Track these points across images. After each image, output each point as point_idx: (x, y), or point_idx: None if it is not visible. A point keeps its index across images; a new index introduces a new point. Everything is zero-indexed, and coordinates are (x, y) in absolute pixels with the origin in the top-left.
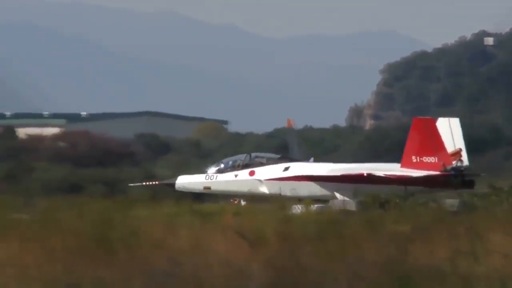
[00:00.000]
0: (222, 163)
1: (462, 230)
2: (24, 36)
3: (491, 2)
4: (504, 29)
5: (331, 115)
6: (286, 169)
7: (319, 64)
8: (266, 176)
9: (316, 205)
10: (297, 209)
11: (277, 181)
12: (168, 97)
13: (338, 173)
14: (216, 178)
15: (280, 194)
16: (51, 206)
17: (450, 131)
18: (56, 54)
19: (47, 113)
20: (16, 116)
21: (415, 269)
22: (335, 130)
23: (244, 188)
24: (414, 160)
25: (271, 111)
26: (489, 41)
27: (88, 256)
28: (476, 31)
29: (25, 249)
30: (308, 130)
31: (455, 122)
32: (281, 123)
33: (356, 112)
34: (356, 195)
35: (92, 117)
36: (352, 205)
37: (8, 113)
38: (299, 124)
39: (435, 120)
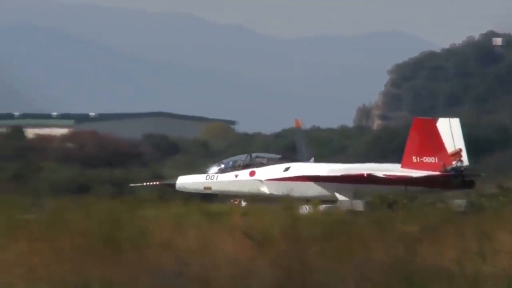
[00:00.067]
0: (222, 163)
1: (469, 230)
2: (28, 36)
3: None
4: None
5: (339, 116)
6: (287, 169)
7: (327, 64)
8: (267, 176)
9: (323, 206)
10: (305, 209)
11: (278, 182)
12: (176, 97)
13: (338, 173)
14: (216, 178)
15: (280, 195)
16: (59, 207)
17: (450, 131)
18: (61, 54)
19: (55, 113)
20: (24, 116)
21: (423, 269)
22: (343, 131)
23: (245, 188)
24: (414, 160)
25: (279, 112)
26: (497, 41)
27: (96, 256)
28: (485, 31)
29: (33, 249)
30: (315, 130)
31: (455, 122)
32: (289, 124)
33: (364, 113)
34: (356, 195)
35: (101, 118)
36: (359, 206)
37: (16, 114)
38: (307, 125)
39: (435, 121)
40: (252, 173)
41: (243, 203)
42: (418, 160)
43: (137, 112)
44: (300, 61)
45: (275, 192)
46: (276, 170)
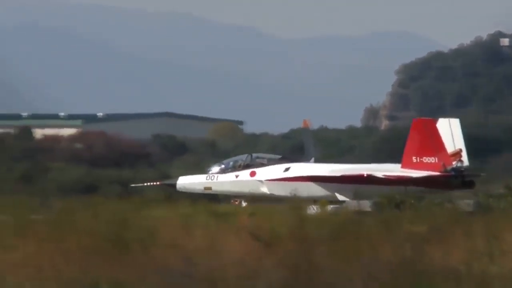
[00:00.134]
0: (223, 163)
1: (477, 230)
2: (29, 36)
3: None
4: None
5: (346, 116)
6: (287, 169)
7: (331, 64)
8: (267, 177)
9: (331, 206)
10: (313, 209)
11: (278, 182)
12: (177, 97)
13: (338, 174)
14: (217, 179)
15: (280, 195)
16: (66, 207)
17: (450, 132)
18: (62, 54)
19: (63, 114)
20: (32, 117)
21: (430, 270)
22: (351, 131)
23: (245, 189)
24: (414, 161)
25: (287, 112)
26: (505, 41)
27: (104, 257)
28: (492, 31)
29: (41, 249)
30: (323, 130)
31: (455, 122)
32: (297, 124)
33: (372, 113)
34: (356, 195)
35: (108, 118)
36: (367, 206)
37: (24, 114)
38: (314, 125)
39: (435, 121)
40: (252, 174)
41: (244, 203)
42: (418, 161)
43: (144, 112)
44: (303, 61)
45: (275, 193)
46: (276, 171)
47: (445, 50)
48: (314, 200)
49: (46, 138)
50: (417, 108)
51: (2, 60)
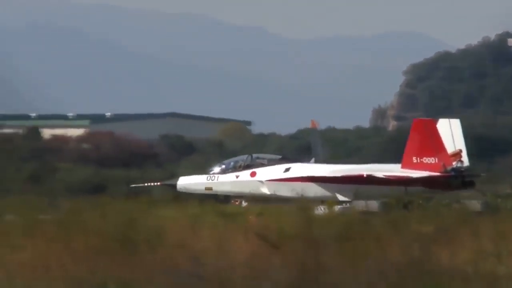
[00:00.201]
0: (223, 164)
1: (485, 231)
2: (42, 36)
3: None
4: None
5: (354, 116)
6: (287, 170)
7: (342, 65)
8: (267, 177)
9: (339, 206)
10: (320, 210)
11: (278, 182)
12: (191, 98)
13: (339, 174)
14: (217, 179)
15: (280, 195)
16: (74, 207)
17: (451, 132)
18: (72, 54)
19: (71, 114)
20: (41, 117)
21: (438, 270)
22: (358, 131)
23: (245, 189)
24: (415, 161)
25: (294, 112)
26: None
27: (112, 257)
28: (500, 32)
29: (49, 249)
30: (331, 131)
31: (455, 123)
32: (304, 124)
33: (379, 113)
34: (357, 196)
35: (116, 118)
36: (375, 206)
37: (32, 114)
38: (322, 125)
39: (435, 121)
40: (253, 174)
41: (244, 204)
42: (418, 161)
43: (152, 112)
44: (310, 61)
45: (275, 193)
46: (276, 171)
47: (453, 51)
48: (322, 201)
49: (54, 138)
50: (425, 109)
51: (8, 59)
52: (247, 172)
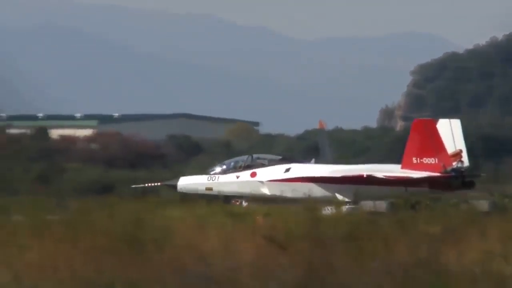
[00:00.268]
0: (224, 164)
1: (493, 231)
2: (48, 37)
3: None
4: None
5: (362, 117)
6: (287, 170)
7: (350, 65)
8: (268, 177)
9: (346, 207)
10: (328, 210)
11: (279, 182)
12: (199, 99)
13: (339, 174)
14: (217, 179)
15: (281, 195)
16: (82, 207)
17: (451, 132)
18: (77, 54)
19: (79, 114)
20: (49, 117)
21: (446, 270)
22: (366, 131)
23: (246, 189)
24: (415, 161)
25: (300, 113)
26: None
27: (119, 257)
28: (508, 32)
29: (57, 250)
30: (339, 131)
31: (456, 123)
32: (312, 125)
33: (387, 114)
34: (357, 196)
35: (124, 118)
36: (382, 206)
37: (40, 115)
38: (329, 126)
39: (435, 121)
40: (253, 174)
41: (244, 204)
42: (418, 161)
43: (160, 113)
44: (318, 61)
45: (276, 193)
46: (277, 171)
47: (461, 51)
48: (329, 201)
49: (62, 138)
50: (432, 109)
51: (9, 59)
52: (248, 173)
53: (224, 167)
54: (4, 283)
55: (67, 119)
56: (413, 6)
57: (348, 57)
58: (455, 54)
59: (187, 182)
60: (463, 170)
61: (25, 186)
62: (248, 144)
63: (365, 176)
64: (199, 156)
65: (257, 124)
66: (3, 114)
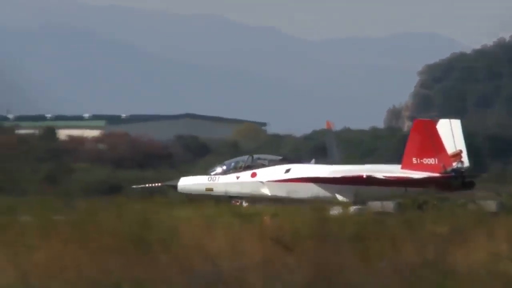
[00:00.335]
0: (224, 164)
1: (500, 231)
2: (51, 37)
3: None
4: None
5: (370, 117)
6: (288, 170)
7: (358, 65)
8: (268, 178)
9: (354, 207)
10: (335, 210)
11: (279, 183)
12: (206, 99)
13: (339, 175)
14: (218, 180)
15: (281, 196)
16: (90, 207)
17: (451, 133)
18: (85, 55)
19: (87, 114)
20: (57, 117)
21: (453, 270)
22: (374, 132)
23: (246, 190)
24: (415, 162)
25: (308, 113)
26: None
27: (127, 257)
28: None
29: (65, 250)
30: (346, 131)
31: (456, 123)
32: (319, 125)
33: (394, 114)
34: (357, 196)
35: (132, 119)
36: (390, 207)
37: (48, 115)
38: (337, 126)
39: (435, 122)
40: (253, 175)
41: (244, 204)
42: (418, 162)
43: (167, 113)
44: (325, 62)
45: (276, 194)
46: (277, 172)
47: (468, 51)
48: (337, 202)
49: (70, 139)
50: (440, 109)
51: (18, 60)
52: (248, 173)
53: (225, 167)
54: (12, 283)
55: (75, 120)
56: (420, 6)
57: (353, 57)
58: (463, 54)
59: (188, 183)
60: (463, 170)
61: (33, 187)
62: (256, 145)
63: (364, 176)
64: (206, 157)
65: (264, 124)
66: (11, 115)
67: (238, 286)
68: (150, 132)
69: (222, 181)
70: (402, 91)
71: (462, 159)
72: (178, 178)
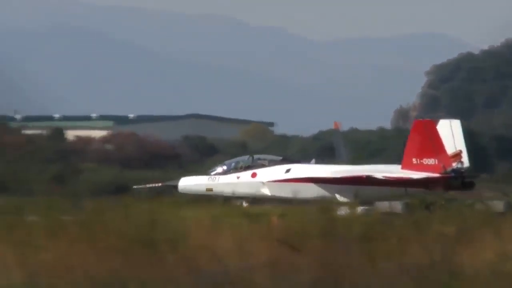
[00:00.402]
0: (224, 164)
1: (508, 232)
2: (53, 37)
3: None
4: None
5: (377, 117)
6: (288, 171)
7: (365, 65)
8: (268, 178)
9: (361, 207)
10: (343, 211)
11: (279, 183)
12: (214, 100)
13: (339, 175)
14: (218, 180)
15: (281, 196)
16: (97, 207)
17: (451, 133)
18: (93, 55)
19: (95, 115)
20: (64, 118)
21: (460, 271)
22: (381, 132)
23: (246, 190)
24: (415, 162)
25: (313, 113)
26: None
27: (134, 257)
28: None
29: (72, 250)
30: (354, 132)
31: (456, 123)
32: (326, 126)
33: (402, 114)
34: (357, 197)
35: (139, 119)
36: (398, 207)
37: (56, 115)
38: (344, 126)
39: (435, 122)
40: (253, 175)
41: (245, 204)
42: (418, 162)
43: (175, 114)
44: (332, 62)
45: (276, 194)
46: (277, 172)
47: (476, 52)
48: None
49: (78, 139)
50: (447, 109)
51: (20, 60)
52: (248, 173)
53: (225, 167)
54: (19, 283)
55: (82, 120)
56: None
57: (362, 57)
58: (470, 55)
59: (188, 183)
60: (463, 170)
61: (41, 187)
62: (264, 145)
63: (364, 177)
64: (213, 157)
65: (272, 124)
66: (19, 115)
67: (245, 286)
68: (158, 132)
69: (222, 181)
70: (405, 91)
71: (462, 160)
72: (178, 178)
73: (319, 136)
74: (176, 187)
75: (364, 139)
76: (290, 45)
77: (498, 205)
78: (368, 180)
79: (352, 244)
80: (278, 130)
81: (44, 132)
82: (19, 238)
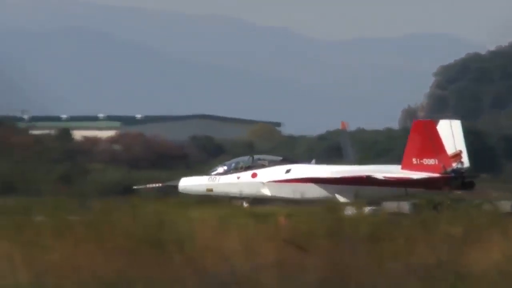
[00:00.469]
0: (224, 165)
1: None
2: (56, 38)
3: None
4: None
5: (384, 117)
6: (288, 171)
7: (365, 65)
8: (268, 178)
9: (369, 208)
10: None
11: (279, 183)
12: (214, 100)
13: (339, 175)
14: (218, 180)
15: (281, 196)
16: (104, 208)
17: (451, 133)
18: (98, 56)
19: (102, 115)
20: (72, 118)
21: (467, 271)
22: (388, 132)
23: (246, 190)
24: (415, 162)
25: (321, 113)
26: None
27: (141, 258)
28: None
29: (79, 250)
30: (361, 132)
31: (456, 124)
32: (329, 125)
33: (409, 114)
34: (357, 197)
35: (147, 120)
36: (405, 207)
37: (63, 116)
38: (352, 127)
39: (435, 122)
40: (254, 175)
41: (245, 205)
42: (418, 162)
43: (182, 114)
44: (339, 62)
45: (276, 194)
46: (277, 172)
47: (483, 52)
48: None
49: (85, 139)
50: (454, 110)
51: (23, 61)
52: (248, 173)
53: (225, 168)
54: (26, 283)
55: (89, 120)
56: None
57: (368, 58)
58: (478, 55)
59: (188, 183)
60: (463, 171)
61: (48, 187)
62: (271, 145)
63: (364, 177)
64: (220, 157)
65: (279, 124)
66: (26, 116)
67: (252, 286)
68: (165, 133)
69: (222, 181)
70: (406, 91)
71: (462, 160)
72: (178, 179)
73: (326, 136)
74: (176, 187)
75: (371, 139)
76: (290, 45)
77: (506, 205)
78: (368, 180)
79: (359, 244)
80: (286, 130)
81: (52, 132)
82: (27, 238)
